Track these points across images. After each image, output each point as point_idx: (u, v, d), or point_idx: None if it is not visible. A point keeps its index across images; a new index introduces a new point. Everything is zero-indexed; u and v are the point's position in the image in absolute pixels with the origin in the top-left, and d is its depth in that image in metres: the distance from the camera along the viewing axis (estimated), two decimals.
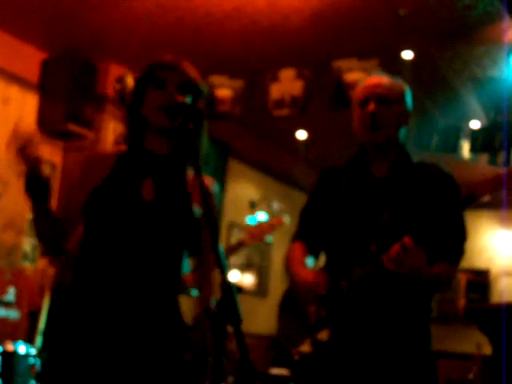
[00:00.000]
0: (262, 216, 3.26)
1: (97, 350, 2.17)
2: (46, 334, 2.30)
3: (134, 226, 2.23)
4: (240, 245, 3.52)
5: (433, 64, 5.67)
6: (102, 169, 2.30)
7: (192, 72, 2.34)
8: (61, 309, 2.28)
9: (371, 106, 2.55)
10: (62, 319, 2.25)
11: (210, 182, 2.40)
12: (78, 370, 2.16)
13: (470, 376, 7.58)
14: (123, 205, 2.24)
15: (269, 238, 3.34)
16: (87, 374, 2.15)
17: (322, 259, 2.71)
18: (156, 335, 2.23)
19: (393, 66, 5.13)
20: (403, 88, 2.64)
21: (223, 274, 1.77)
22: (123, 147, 2.40)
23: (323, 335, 2.48)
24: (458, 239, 2.51)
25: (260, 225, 3.43)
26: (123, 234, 2.23)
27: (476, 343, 7.43)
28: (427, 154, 5.81)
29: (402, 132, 2.63)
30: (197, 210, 2.28)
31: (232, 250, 3.56)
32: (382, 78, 2.64)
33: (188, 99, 2.27)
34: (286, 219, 2.88)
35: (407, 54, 5.37)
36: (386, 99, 2.57)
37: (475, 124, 6.26)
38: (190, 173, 2.32)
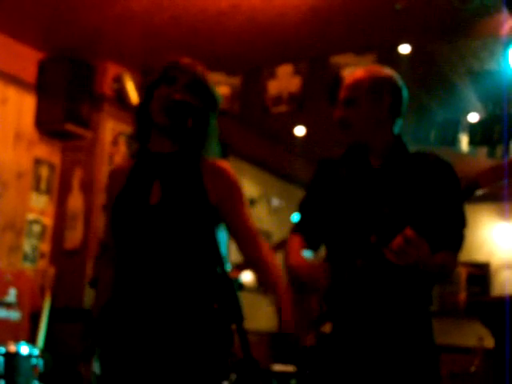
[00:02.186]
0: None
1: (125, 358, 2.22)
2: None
3: (141, 230, 2.26)
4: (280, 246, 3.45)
5: (430, 58, 5.67)
6: (121, 180, 2.37)
7: (203, 75, 2.37)
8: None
9: (337, 112, 2.60)
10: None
11: (227, 166, 2.47)
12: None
13: (472, 369, 7.59)
14: (130, 211, 2.29)
15: None
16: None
17: (321, 253, 2.71)
18: (186, 338, 2.23)
19: (390, 60, 5.12)
20: (379, 81, 2.60)
21: (224, 271, 1.77)
22: (133, 149, 2.46)
23: (327, 328, 2.48)
24: (457, 227, 2.50)
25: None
26: (134, 239, 2.27)
27: (477, 336, 7.44)
28: (426, 148, 5.80)
29: (398, 123, 2.62)
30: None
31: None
32: (352, 77, 2.64)
33: (194, 100, 2.28)
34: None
35: (404, 48, 5.37)
36: (351, 99, 2.58)
37: (473, 117, 6.26)
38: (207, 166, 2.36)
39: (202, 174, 2.34)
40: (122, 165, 2.49)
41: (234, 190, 2.41)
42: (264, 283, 2.36)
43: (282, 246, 3.40)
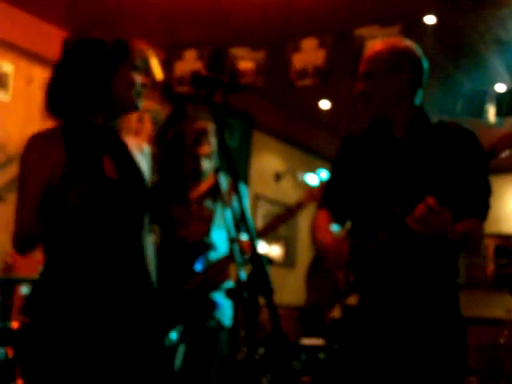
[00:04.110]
0: (323, 174, 3.14)
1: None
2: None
3: (106, 206, 2.27)
4: (299, 206, 3.41)
5: (456, 28, 5.59)
6: (57, 151, 2.28)
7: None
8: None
9: (358, 86, 2.60)
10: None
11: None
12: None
13: (501, 341, 7.58)
14: (90, 187, 2.24)
15: None
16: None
17: (348, 226, 2.72)
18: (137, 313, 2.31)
19: (416, 31, 5.07)
20: (398, 53, 2.57)
21: (253, 245, 1.78)
22: (60, 120, 2.40)
23: (352, 300, 2.50)
24: (482, 194, 2.49)
25: (322, 184, 3.29)
26: (96, 217, 2.26)
27: (506, 308, 7.42)
28: (452, 119, 5.75)
29: (419, 94, 2.60)
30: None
31: (290, 212, 3.45)
32: (370, 50, 2.62)
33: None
34: None
35: (430, 19, 5.30)
36: (371, 73, 2.57)
37: (500, 87, 6.20)
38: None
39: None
40: (49, 134, 2.37)
41: None
42: None
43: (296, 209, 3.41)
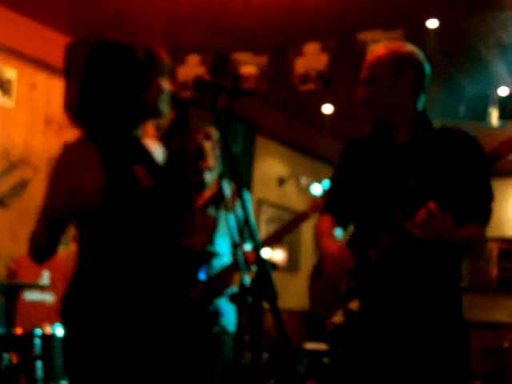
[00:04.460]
0: (327, 184, 3.18)
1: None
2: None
3: (148, 215, 2.29)
4: (303, 217, 3.45)
5: (458, 32, 5.59)
6: (93, 167, 2.27)
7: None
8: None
9: (359, 92, 2.60)
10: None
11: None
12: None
13: (506, 344, 7.57)
14: (130, 197, 2.26)
15: None
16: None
17: (351, 229, 2.73)
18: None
19: (418, 35, 5.07)
20: (400, 58, 2.57)
21: (257, 250, 1.78)
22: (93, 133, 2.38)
23: (354, 305, 2.50)
24: (484, 199, 2.49)
25: (325, 193, 3.32)
26: (137, 226, 2.28)
27: (510, 312, 7.41)
28: (455, 123, 5.75)
29: (421, 99, 2.60)
30: None
31: (295, 222, 3.48)
32: (371, 55, 2.62)
33: None
34: None
35: (432, 23, 5.30)
36: (371, 79, 2.57)
37: (503, 91, 6.19)
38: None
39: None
40: (80, 147, 2.36)
41: None
42: None
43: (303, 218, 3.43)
